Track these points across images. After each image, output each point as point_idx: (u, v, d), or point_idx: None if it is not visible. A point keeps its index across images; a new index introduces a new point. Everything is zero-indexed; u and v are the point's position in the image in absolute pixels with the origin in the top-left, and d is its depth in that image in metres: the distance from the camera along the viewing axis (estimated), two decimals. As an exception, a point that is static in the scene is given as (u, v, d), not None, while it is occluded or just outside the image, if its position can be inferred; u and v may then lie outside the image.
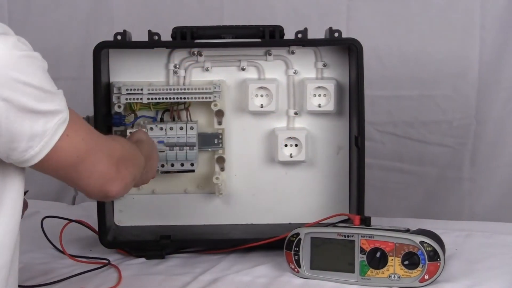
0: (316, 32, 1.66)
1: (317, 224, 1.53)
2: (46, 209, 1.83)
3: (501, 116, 2.28)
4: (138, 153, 1.33)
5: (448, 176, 2.32)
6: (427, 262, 1.38)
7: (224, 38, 1.62)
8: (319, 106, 1.68)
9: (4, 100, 1.01)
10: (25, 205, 1.38)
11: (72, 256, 1.58)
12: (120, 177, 1.19)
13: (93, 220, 1.64)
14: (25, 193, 1.39)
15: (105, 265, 1.55)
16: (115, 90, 1.65)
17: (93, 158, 1.14)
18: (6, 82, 1.01)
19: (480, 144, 2.29)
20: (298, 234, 1.47)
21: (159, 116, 1.68)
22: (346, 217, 1.58)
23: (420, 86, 2.28)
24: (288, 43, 1.66)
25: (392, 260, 1.40)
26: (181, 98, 1.66)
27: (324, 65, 1.69)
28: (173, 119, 1.68)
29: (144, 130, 1.59)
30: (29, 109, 1.04)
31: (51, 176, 1.14)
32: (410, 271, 1.39)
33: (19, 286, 1.19)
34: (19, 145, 1.05)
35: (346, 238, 1.43)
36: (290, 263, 1.47)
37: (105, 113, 1.64)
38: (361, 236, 1.42)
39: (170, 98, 1.65)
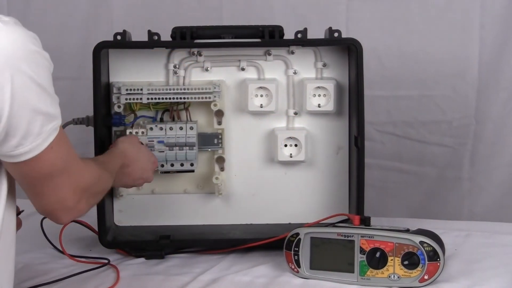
0: (316, 32, 1.66)
1: (317, 224, 1.53)
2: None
3: (501, 116, 2.28)
4: (105, 180, 1.30)
5: (447, 176, 2.32)
6: (426, 262, 1.38)
7: (223, 38, 1.63)
8: (319, 106, 1.68)
9: (11, 79, 1.00)
10: (19, 224, 1.37)
11: (72, 256, 1.58)
12: (76, 209, 1.17)
13: (92, 220, 1.64)
14: (19, 212, 1.38)
15: (104, 264, 1.55)
16: (114, 90, 1.65)
17: (62, 180, 1.13)
18: (13, 70, 1.01)
19: (479, 144, 2.30)
20: (297, 234, 1.47)
21: (159, 116, 1.68)
22: (345, 217, 1.58)
23: (420, 86, 2.28)
24: (287, 43, 1.66)
25: (391, 260, 1.40)
26: (180, 98, 1.66)
27: (324, 65, 1.69)
28: (173, 119, 1.68)
29: (131, 138, 1.56)
30: (32, 107, 1.04)
31: (15, 178, 1.12)
32: (410, 271, 1.39)
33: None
34: (12, 140, 1.04)
35: (346, 238, 1.43)
36: (290, 263, 1.48)
37: (105, 113, 1.64)
38: (361, 236, 1.42)
39: (169, 98, 1.65)
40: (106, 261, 1.56)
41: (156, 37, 1.62)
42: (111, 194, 1.69)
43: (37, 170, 1.10)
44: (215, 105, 1.67)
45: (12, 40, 1.02)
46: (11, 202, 1.14)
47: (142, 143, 1.58)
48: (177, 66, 1.68)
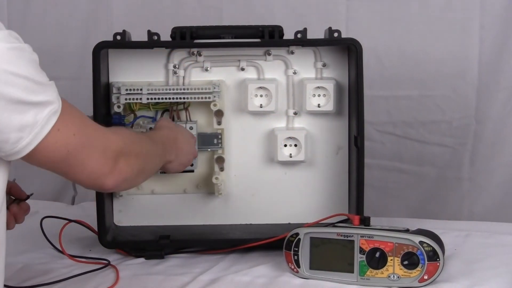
0: (316, 32, 1.66)
1: (317, 224, 1.53)
2: (46, 209, 1.83)
3: (501, 116, 2.28)
4: (146, 143, 1.32)
5: (447, 176, 2.32)
6: (426, 262, 1.38)
7: (223, 38, 1.63)
8: (319, 106, 1.68)
9: None
10: (27, 209, 1.38)
11: (72, 256, 1.58)
12: (116, 171, 1.18)
13: (92, 220, 1.64)
14: (29, 196, 1.39)
15: (105, 266, 1.55)
16: (114, 90, 1.65)
17: (85, 153, 1.13)
18: None
19: (479, 144, 2.29)
20: (297, 234, 1.47)
21: (159, 116, 1.68)
22: (345, 217, 1.58)
23: (420, 86, 2.28)
24: (287, 43, 1.66)
25: (391, 260, 1.40)
26: (180, 98, 1.66)
27: (324, 65, 1.69)
28: (173, 119, 1.68)
29: (166, 118, 1.60)
30: (19, 100, 1.04)
31: (43, 168, 1.13)
32: (410, 271, 1.39)
33: (6, 286, 1.18)
34: (10, 136, 1.05)
35: (346, 238, 1.43)
36: (290, 263, 1.48)
37: (105, 113, 1.64)
38: (361, 236, 1.42)
39: (169, 98, 1.65)
40: (106, 262, 1.56)
41: (156, 37, 1.62)
42: (111, 194, 1.69)
43: (52, 155, 1.10)
44: (214, 105, 1.67)
45: None
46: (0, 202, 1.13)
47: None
48: (176, 66, 1.68)
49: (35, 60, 1.09)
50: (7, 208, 1.35)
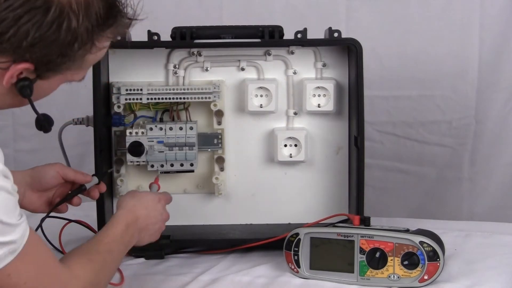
0: (316, 32, 1.66)
1: (317, 224, 1.53)
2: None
3: (501, 116, 2.28)
4: (106, 268, 1.25)
5: (447, 176, 2.32)
6: (426, 262, 1.38)
7: (223, 38, 1.62)
8: (319, 106, 1.68)
9: None
10: (102, 188, 1.48)
11: (72, 256, 1.57)
12: None
13: (92, 220, 1.64)
14: (106, 173, 1.52)
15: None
16: (114, 90, 1.65)
17: None
18: None
19: (479, 144, 2.30)
20: (297, 234, 1.47)
21: (159, 116, 1.68)
22: (345, 217, 1.59)
23: (420, 86, 2.28)
24: (287, 43, 1.66)
25: (391, 260, 1.40)
26: (180, 98, 1.66)
27: (324, 65, 1.69)
28: (173, 119, 1.68)
29: (128, 193, 1.45)
30: None
31: None
32: (410, 271, 1.39)
33: None
34: None
35: (346, 238, 1.43)
36: (290, 263, 1.48)
37: (105, 113, 1.64)
38: (361, 236, 1.42)
39: (169, 98, 1.65)
40: None
41: (155, 37, 1.62)
42: (111, 194, 1.69)
43: None
44: (215, 105, 1.67)
45: None
46: None
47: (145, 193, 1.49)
48: (176, 66, 1.68)
49: (12, 201, 1.06)
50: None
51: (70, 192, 1.46)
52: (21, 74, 1.10)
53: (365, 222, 1.46)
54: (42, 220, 1.48)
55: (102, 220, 1.61)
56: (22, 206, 1.32)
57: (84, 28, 1.10)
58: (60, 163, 1.47)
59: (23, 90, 1.11)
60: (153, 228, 1.41)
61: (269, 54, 1.69)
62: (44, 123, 1.24)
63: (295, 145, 1.69)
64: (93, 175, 1.48)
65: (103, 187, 1.50)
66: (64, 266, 1.16)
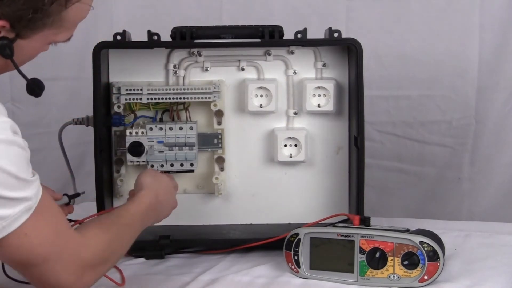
0: (316, 32, 1.66)
1: (317, 224, 1.53)
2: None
3: (501, 116, 2.28)
4: (120, 238, 1.24)
5: (447, 176, 2.32)
6: (426, 262, 1.38)
7: (223, 38, 1.62)
8: (319, 106, 1.68)
9: None
10: (70, 210, 1.39)
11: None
12: (81, 284, 1.13)
13: (92, 220, 1.64)
14: (78, 194, 1.41)
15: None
16: (114, 90, 1.65)
17: (48, 266, 1.09)
18: None
19: (479, 144, 2.30)
20: (297, 234, 1.47)
21: (159, 116, 1.68)
22: (345, 217, 1.59)
23: (420, 86, 2.28)
24: (287, 43, 1.66)
25: (391, 260, 1.40)
26: (180, 98, 1.66)
27: (324, 65, 1.69)
28: (173, 119, 1.68)
29: (147, 171, 1.47)
30: None
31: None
32: (410, 271, 1.39)
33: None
34: None
35: (346, 238, 1.43)
36: (290, 263, 1.48)
37: (105, 113, 1.64)
38: (361, 236, 1.42)
39: (169, 98, 1.65)
40: None
41: (156, 37, 1.62)
42: (111, 194, 1.69)
43: (13, 257, 1.08)
44: (215, 105, 1.67)
45: None
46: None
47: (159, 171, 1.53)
48: (176, 66, 1.68)
49: (24, 156, 1.06)
50: None
51: None
52: None
53: (365, 222, 1.46)
54: None
55: (102, 220, 1.61)
56: None
57: None
58: None
59: (2, 50, 1.10)
60: (167, 212, 1.45)
61: (269, 54, 1.69)
62: (34, 87, 1.21)
63: (295, 145, 1.69)
64: (64, 194, 1.46)
65: (71, 209, 1.47)
66: (77, 232, 1.16)
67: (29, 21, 1.09)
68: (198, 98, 1.65)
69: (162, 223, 1.69)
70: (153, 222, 1.40)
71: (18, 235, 1.05)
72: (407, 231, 1.42)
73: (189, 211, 1.72)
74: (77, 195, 1.54)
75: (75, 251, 1.13)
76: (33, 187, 1.07)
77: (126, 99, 1.64)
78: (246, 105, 1.68)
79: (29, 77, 1.20)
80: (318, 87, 1.67)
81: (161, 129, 1.63)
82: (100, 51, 1.58)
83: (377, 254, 1.41)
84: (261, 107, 1.68)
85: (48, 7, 1.10)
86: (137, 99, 1.64)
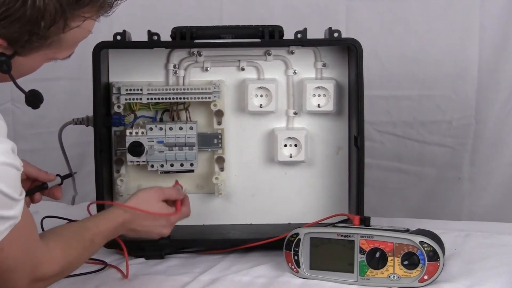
0: (316, 32, 1.66)
1: (317, 224, 1.53)
2: (46, 209, 1.82)
3: (501, 116, 2.28)
4: (79, 258, 1.27)
5: (447, 176, 2.32)
6: (426, 262, 1.38)
7: (223, 38, 1.63)
8: (319, 106, 1.68)
9: None
10: (59, 193, 1.46)
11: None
12: None
13: (92, 220, 1.64)
14: (70, 175, 1.49)
15: (104, 266, 1.55)
16: (114, 90, 1.65)
17: (10, 275, 1.13)
18: None
19: (479, 144, 2.30)
20: (297, 234, 1.47)
21: (159, 116, 1.68)
22: (345, 217, 1.59)
23: (420, 86, 2.28)
24: (287, 43, 1.66)
25: (391, 260, 1.40)
26: (180, 98, 1.66)
27: (324, 65, 1.69)
28: (173, 119, 1.68)
29: (156, 190, 1.45)
30: None
31: None
32: (410, 271, 1.39)
33: None
34: None
35: (346, 238, 1.43)
36: (290, 263, 1.48)
37: (105, 113, 1.64)
38: (361, 236, 1.42)
39: (169, 98, 1.65)
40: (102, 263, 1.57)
41: (156, 37, 1.62)
42: (111, 193, 1.69)
43: None
44: (215, 105, 1.67)
45: None
46: None
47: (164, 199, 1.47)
48: (176, 66, 1.68)
49: (18, 176, 1.09)
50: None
51: (30, 188, 1.44)
52: None
53: (365, 222, 1.46)
54: None
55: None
56: None
57: (53, 6, 1.09)
58: (24, 160, 1.47)
59: (0, 66, 1.12)
60: (144, 235, 1.44)
61: (269, 54, 1.69)
62: (31, 98, 1.22)
63: (295, 145, 1.69)
64: (56, 175, 1.47)
65: (60, 192, 1.48)
66: (43, 244, 1.18)
67: (26, 42, 1.11)
68: (198, 98, 1.65)
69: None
70: (130, 235, 1.42)
71: None
72: (407, 231, 1.42)
73: (189, 211, 1.72)
74: (69, 175, 1.55)
75: (37, 265, 1.17)
76: (20, 205, 1.10)
77: (126, 99, 1.64)
78: (246, 105, 1.68)
79: (30, 80, 1.21)
80: (318, 87, 1.67)
81: (161, 129, 1.63)
82: (100, 51, 1.58)
83: (377, 254, 1.41)
84: (261, 107, 1.68)
85: (45, 31, 1.11)
86: (137, 99, 1.64)
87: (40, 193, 1.46)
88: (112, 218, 1.36)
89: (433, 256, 1.38)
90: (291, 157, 1.69)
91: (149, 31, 1.62)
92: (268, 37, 1.63)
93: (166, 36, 1.63)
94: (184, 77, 1.68)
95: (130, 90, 1.64)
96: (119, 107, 1.65)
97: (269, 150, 1.71)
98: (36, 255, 1.16)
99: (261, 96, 1.68)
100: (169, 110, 1.68)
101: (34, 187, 1.45)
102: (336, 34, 1.62)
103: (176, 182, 1.56)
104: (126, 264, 1.50)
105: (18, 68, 1.15)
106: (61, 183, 1.49)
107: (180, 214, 1.47)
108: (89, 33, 1.18)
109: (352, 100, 1.65)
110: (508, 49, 2.24)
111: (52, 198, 1.48)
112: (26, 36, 1.10)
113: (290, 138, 1.69)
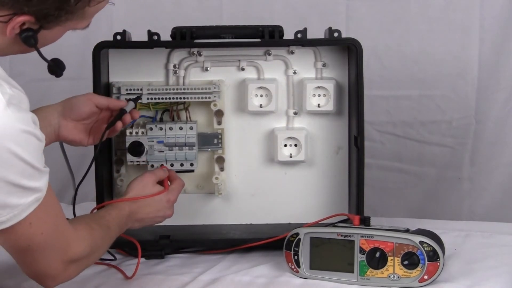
0: (316, 32, 1.66)
1: (317, 224, 1.53)
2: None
3: (501, 116, 2.28)
4: (105, 241, 1.31)
5: (447, 176, 2.32)
6: (426, 262, 1.38)
7: (223, 38, 1.63)
8: (319, 106, 1.68)
9: None
10: (136, 115, 1.50)
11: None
12: (64, 276, 1.20)
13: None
14: (139, 97, 1.57)
15: (110, 261, 1.57)
16: (114, 90, 1.65)
17: (43, 254, 1.15)
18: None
19: (479, 144, 2.30)
20: (297, 234, 1.47)
21: (159, 116, 1.68)
22: (345, 217, 1.59)
23: (420, 86, 2.28)
24: (287, 43, 1.66)
25: (391, 260, 1.40)
26: (180, 98, 1.66)
27: (324, 65, 1.69)
28: (173, 119, 1.68)
29: (148, 175, 1.50)
30: (13, 183, 1.06)
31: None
32: (410, 271, 1.39)
33: None
34: None
35: (346, 238, 1.43)
36: (290, 263, 1.48)
37: (105, 113, 1.64)
38: (361, 236, 1.42)
39: (169, 98, 1.65)
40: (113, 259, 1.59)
41: (156, 37, 1.62)
42: (111, 193, 1.69)
43: (13, 243, 1.13)
44: (215, 105, 1.67)
45: (2, 123, 1.05)
46: None
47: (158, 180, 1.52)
48: (176, 66, 1.68)
49: (41, 147, 1.11)
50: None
51: (113, 117, 1.49)
52: (23, 25, 1.14)
53: (365, 222, 1.46)
54: (96, 148, 1.53)
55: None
56: (60, 136, 1.43)
57: None
58: (91, 93, 1.52)
59: (27, 40, 1.16)
60: (150, 222, 1.49)
61: (269, 54, 1.69)
62: (54, 68, 1.29)
63: (295, 145, 1.69)
64: (128, 100, 1.53)
65: (137, 113, 1.53)
66: (71, 226, 1.21)
67: (54, 17, 1.15)
68: (198, 98, 1.65)
69: (162, 223, 1.70)
70: (136, 227, 1.47)
71: (24, 223, 1.10)
72: (407, 231, 1.42)
73: (189, 211, 1.72)
74: (138, 98, 1.59)
75: (67, 244, 1.19)
76: (44, 178, 1.12)
77: (126, 99, 1.64)
78: (246, 105, 1.68)
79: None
80: (318, 87, 1.67)
81: (161, 129, 1.63)
82: (100, 51, 1.59)
83: (377, 254, 1.41)
84: (261, 107, 1.68)
85: (74, 6, 1.15)
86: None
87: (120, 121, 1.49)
88: (120, 208, 1.41)
89: (433, 256, 1.38)
90: (291, 157, 1.69)
91: (149, 31, 1.62)
92: (268, 37, 1.63)
93: (166, 36, 1.63)
94: (184, 77, 1.68)
95: (130, 90, 1.64)
96: (119, 107, 1.65)
97: (269, 150, 1.71)
98: (65, 234, 1.19)
99: (261, 96, 1.68)
100: (169, 110, 1.68)
101: (116, 115, 1.48)
102: (336, 34, 1.62)
103: (162, 165, 1.59)
104: (138, 262, 1.51)
105: (42, 40, 1.19)
106: (135, 107, 1.53)
107: (176, 189, 1.52)
108: (107, 3, 1.23)
109: (352, 100, 1.65)
110: (508, 49, 2.24)
111: (131, 120, 1.51)
112: (54, 12, 1.14)
113: (290, 138, 1.69)
